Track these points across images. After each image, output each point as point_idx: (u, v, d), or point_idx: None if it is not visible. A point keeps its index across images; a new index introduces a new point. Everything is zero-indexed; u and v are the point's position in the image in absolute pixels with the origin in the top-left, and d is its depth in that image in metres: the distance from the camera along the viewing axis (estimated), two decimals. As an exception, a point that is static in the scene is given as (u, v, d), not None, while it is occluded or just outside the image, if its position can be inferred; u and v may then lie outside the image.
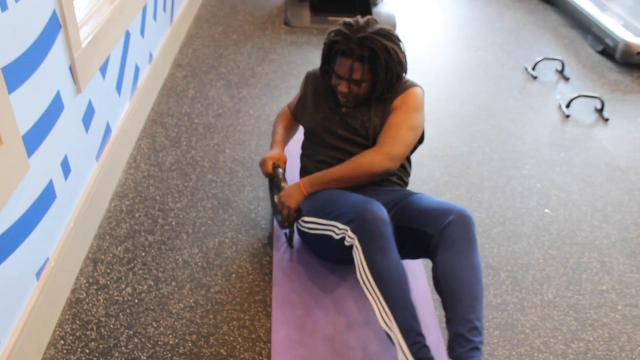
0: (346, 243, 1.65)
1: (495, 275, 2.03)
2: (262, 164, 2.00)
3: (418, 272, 1.97)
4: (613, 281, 2.04)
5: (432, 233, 1.63)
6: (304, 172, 2.05)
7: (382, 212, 1.61)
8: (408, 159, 2.00)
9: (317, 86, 2.03)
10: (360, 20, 1.83)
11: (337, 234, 1.68)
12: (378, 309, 1.54)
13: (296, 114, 2.11)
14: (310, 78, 2.07)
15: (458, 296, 1.53)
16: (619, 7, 4.04)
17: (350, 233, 1.62)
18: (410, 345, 1.46)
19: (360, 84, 1.83)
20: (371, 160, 1.79)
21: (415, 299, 1.84)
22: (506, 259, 2.11)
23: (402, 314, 1.50)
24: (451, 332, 1.49)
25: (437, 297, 1.91)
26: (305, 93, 2.07)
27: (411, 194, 1.81)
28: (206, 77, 3.24)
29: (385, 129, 1.85)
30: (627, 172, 2.66)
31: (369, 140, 1.89)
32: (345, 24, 1.84)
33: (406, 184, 1.99)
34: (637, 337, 1.83)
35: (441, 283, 1.57)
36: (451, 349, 1.47)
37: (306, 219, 1.81)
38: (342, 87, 1.85)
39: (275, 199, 1.95)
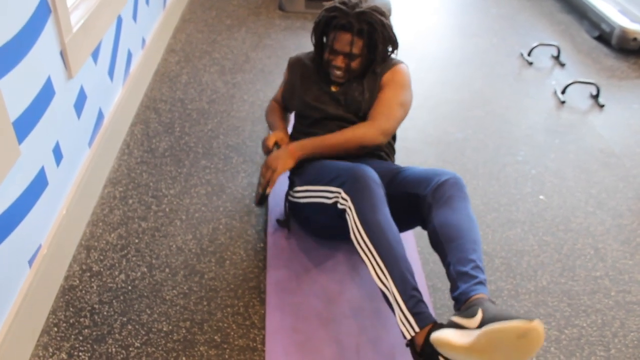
0: (339, 206, 1.65)
1: (490, 262, 2.03)
2: (265, 140, 1.98)
3: (410, 243, 1.97)
4: (607, 267, 2.05)
5: (425, 194, 1.64)
6: None
7: (373, 173, 1.64)
8: (393, 136, 2.04)
9: (303, 70, 2.03)
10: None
11: (330, 199, 1.69)
12: (373, 266, 1.53)
13: (285, 101, 2.11)
14: (294, 64, 2.07)
15: (457, 240, 1.50)
16: (615, -7, 4.02)
17: (343, 194, 1.63)
18: (406, 300, 1.44)
19: (356, 58, 1.86)
20: (365, 132, 1.82)
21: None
22: (500, 245, 2.11)
23: (398, 268, 1.48)
24: (453, 273, 1.46)
25: (429, 269, 1.91)
26: (291, 79, 2.07)
27: (401, 167, 1.83)
28: (200, 62, 3.21)
29: (377, 104, 1.89)
30: (621, 159, 2.66)
31: (359, 116, 1.93)
32: (340, 3, 1.87)
33: (392, 160, 2.02)
34: (630, 323, 1.84)
35: (438, 234, 1.54)
36: (454, 288, 1.44)
37: (298, 188, 1.83)
38: (338, 62, 1.87)
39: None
